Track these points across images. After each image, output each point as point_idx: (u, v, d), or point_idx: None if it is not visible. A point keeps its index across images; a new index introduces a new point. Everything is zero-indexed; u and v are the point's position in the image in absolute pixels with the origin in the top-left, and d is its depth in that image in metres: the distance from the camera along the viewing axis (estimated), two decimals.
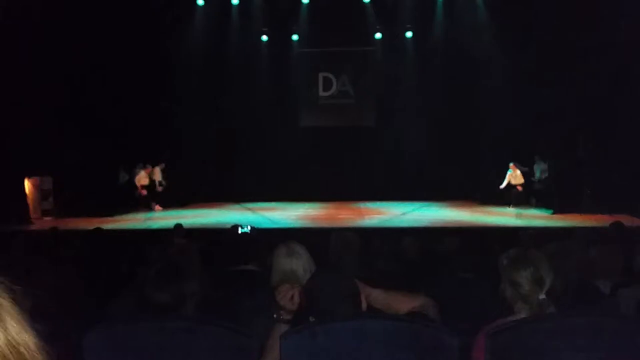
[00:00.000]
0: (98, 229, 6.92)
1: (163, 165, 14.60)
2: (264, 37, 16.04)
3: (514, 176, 13.98)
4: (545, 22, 12.70)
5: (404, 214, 13.15)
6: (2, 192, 11.08)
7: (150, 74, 13.80)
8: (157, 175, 14.51)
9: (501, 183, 14.03)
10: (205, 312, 2.48)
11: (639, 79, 10.98)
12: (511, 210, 13.46)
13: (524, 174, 13.95)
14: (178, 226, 6.91)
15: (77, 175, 12.36)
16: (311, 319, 2.38)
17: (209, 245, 4.72)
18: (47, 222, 12.00)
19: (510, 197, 14.07)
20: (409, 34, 15.84)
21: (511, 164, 13.92)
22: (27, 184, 12.56)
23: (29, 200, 12.59)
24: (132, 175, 14.32)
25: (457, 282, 3.32)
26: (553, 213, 12.52)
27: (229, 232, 5.83)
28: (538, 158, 14.01)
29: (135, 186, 14.17)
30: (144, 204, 14.22)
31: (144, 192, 14.20)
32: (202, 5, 15.25)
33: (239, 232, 5.73)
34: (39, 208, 12.83)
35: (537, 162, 14.10)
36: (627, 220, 10.33)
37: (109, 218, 12.08)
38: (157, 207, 14.29)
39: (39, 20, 11.60)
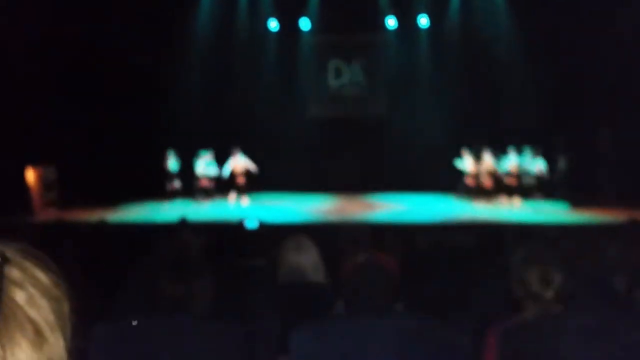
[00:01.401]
0: (102, 221, 6.91)
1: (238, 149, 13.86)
2: (273, 25, 15.83)
3: (466, 164, 13.62)
4: (565, 7, 12.40)
5: (416, 206, 12.99)
6: (4, 182, 11.02)
7: (154, 61, 13.73)
8: (242, 163, 13.78)
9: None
10: (214, 308, 2.46)
11: None
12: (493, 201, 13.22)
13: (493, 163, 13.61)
14: (183, 219, 6.79)
15: (83, 165, 12.31)
16: (339, 304, 2.36)
17: (216, 240, 4.68)
18: (51, 212, 11.98)
19: (461, 188, 13.76)
20: (423, 22, 15.54)
21: (463, 150, 13.56)
22: (30, 174, 12.51)
23: (32, 191, 12.53)
24: (190, 163, 13.84)
25: (468, 278, 3.29)
26: (570, 207, 12.18)
27: (236, 227, 5.78)
28: (515, 148, 13.48)
29: (196, 175, 13.77)
30: (204, 195, 13.88)
31: (206, 182, 13.81)
32: None
33: (246, 226, 5.67)
34: (43, 199, 12.77)
35: (512, 152, 13.56)
36: None
37: (114, 209, 12.05)
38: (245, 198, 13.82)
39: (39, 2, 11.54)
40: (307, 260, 3.04)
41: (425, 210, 12.36)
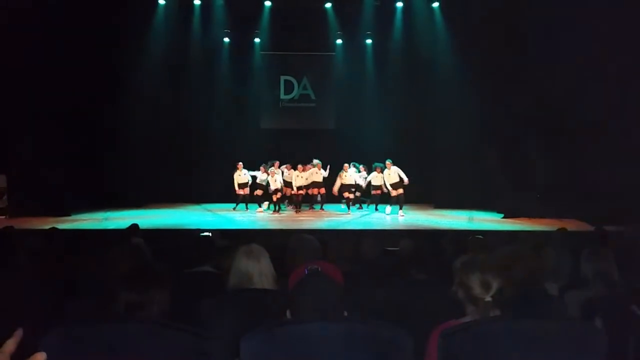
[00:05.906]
0: (54, 229, 6.80)
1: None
2: (226, 40, 16.20)
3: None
4: (498, 28, 13.12)
5: (362, 216, 13.32)
6: None
7: (108, 73, 13.61)
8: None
9: (454, 186, 14.37)
10: (166, 314, 2.50)
11: (588, 81, 11.23)
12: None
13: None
14: (134, 226, 6.71)
15: (33, 173, 12.07)
16: (288, 314, 2.43)
17: (168, 246, 4.69)
18: (1, 221, 11.71)
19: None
20: (368, 40, 16.49)
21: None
22: None
23: None
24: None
25: (412, 283, 3.40)
26: (503, 217, 12.82)
27: (189, 234, 5.78)
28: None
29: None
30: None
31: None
32: (163, 5, 15.14)
33: (200, 233, 5.66)
34: None
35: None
36: (574, 224, 10.69)
37: (66, 218, 11.85)
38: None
39: None
40: (254, 268, 3.14)
41: (370, 220, 12.62)
